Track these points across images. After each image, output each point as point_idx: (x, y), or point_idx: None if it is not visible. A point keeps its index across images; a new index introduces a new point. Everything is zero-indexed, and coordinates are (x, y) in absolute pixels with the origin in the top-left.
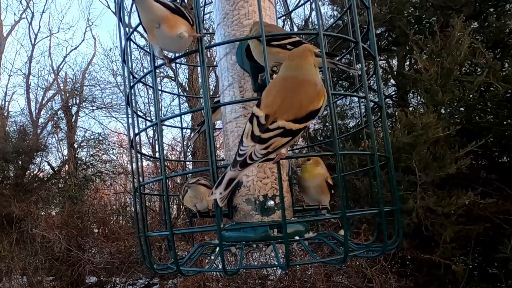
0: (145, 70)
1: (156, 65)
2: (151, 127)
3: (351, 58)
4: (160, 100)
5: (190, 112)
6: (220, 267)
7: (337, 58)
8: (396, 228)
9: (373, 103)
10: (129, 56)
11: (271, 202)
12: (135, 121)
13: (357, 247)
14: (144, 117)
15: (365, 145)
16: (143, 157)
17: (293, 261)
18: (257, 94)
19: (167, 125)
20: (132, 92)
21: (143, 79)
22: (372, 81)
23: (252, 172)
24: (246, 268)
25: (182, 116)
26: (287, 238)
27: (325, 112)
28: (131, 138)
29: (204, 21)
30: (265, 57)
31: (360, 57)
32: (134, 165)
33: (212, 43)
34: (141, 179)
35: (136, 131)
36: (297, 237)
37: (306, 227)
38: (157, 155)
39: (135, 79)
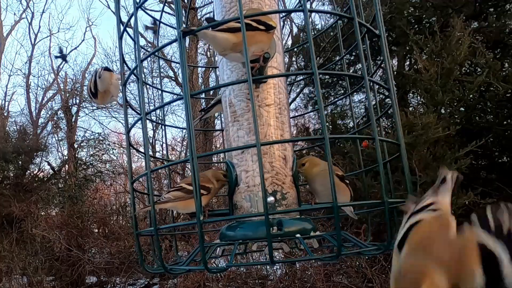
0: (144, 70)
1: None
2: (152, 126)
3: (351, 58)
4: (145, 94)
5: (169, 103)
6: (215, 265)
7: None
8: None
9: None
10: (122, 52)
11: (271, 198)
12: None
13: (362, 245)
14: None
15: (367, 144)
16: (140, 155)
17: (293, 259)
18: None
19: (167, 125)
20: (130, 90)
21: (144, 79)
22: (376, 77)
23: (251, 167)
24: (234, 266)
25: (183, 118)
26: (270, 236)
27: (325, 112)
28: (128, 132)
29: (203, 23)
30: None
31: (357, 32)
32: (130, 163)
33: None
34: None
35: (134, 129)
36: (298, 235)
37: (313, 226)
38: (157, 154)
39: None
